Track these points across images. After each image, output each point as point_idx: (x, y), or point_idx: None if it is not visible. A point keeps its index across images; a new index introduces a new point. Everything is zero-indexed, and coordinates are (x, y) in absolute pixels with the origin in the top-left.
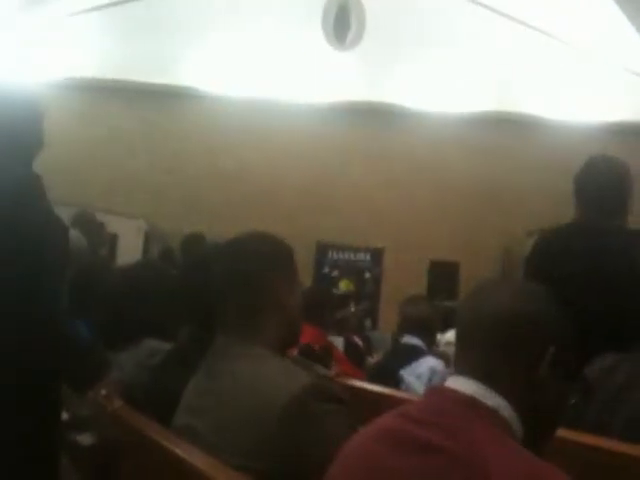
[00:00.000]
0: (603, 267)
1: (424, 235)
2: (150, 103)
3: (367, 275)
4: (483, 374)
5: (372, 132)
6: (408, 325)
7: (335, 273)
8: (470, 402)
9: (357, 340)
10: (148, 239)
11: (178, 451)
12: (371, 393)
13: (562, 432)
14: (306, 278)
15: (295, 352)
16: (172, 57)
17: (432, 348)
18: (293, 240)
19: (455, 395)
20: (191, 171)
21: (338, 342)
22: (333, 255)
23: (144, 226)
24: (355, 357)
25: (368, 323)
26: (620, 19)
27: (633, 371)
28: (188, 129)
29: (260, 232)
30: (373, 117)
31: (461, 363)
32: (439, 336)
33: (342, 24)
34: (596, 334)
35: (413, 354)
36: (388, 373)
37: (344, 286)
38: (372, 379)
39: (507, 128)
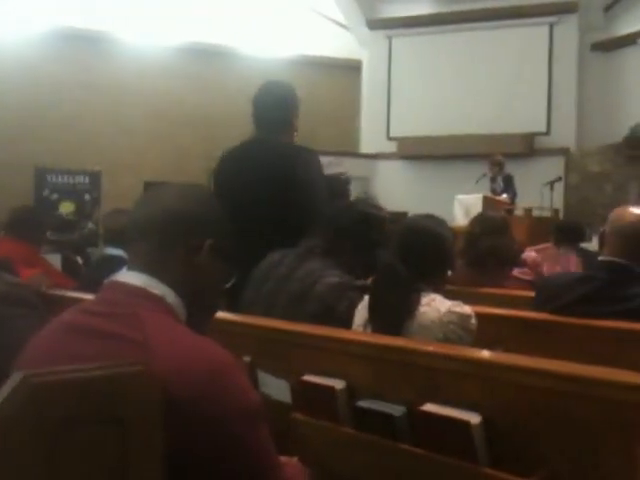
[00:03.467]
0: (269, 176)
1: (138, 159)
2: None
3: (87, 197)
4: (150, 267)
5: (84, 60)
6: (110, 237)
7: (55, 196)
8: (139, 292)
9: (76, 257)
10: None
11: None
12: (80, 300)
13: (232, 316)
14: (27, 202)
15: None
16: None
17: None
18: (11, 166)
19: (126, 287)
20: None
21: (56, 259)
22: (52, 179)
23: None
24: (72, 272)
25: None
26: None
27: (293, 261)
28: None
29: None
30: (86, 45)
31: (133, 259)
32: None
33: None
34: (266, 234)
35: (116, 264)
36: (95, 282)
37: (65, 208)
38: (84, 289)
39: (210, 59)
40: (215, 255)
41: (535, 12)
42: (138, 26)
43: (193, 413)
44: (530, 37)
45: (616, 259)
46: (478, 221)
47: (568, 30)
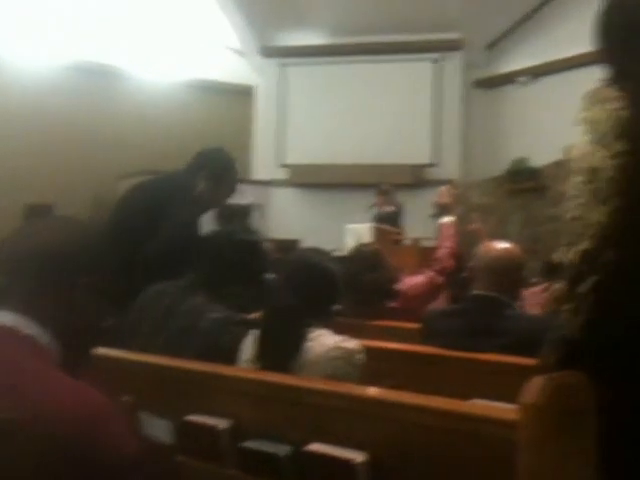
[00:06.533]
0: (141, 209)
1: (19, 178)
2: None
3: None
4: (22, 305)
5: None
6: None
7: None
8: (8, 332)
9: None
10: None
11: None
12: None
13: (113, 353)
14: None
15: None
16: None
17: None
18: None
19: None
20: None
21: None
22: None
23: None
24: None
25: None
26: None
27: (175, 295)
28: None
29: None
30: None
31: (4, 297)
32: None
33: None
34: (150, 266)
35: None
36: None
37: None
38: None
39: (104, 80)
40: (91, 292)
41: (421, 48)
42: (22, 44)
43: (67, 462)
44: (417, 72)
45: (487, 293)
46: (353, 259)
47: (453, 67)
